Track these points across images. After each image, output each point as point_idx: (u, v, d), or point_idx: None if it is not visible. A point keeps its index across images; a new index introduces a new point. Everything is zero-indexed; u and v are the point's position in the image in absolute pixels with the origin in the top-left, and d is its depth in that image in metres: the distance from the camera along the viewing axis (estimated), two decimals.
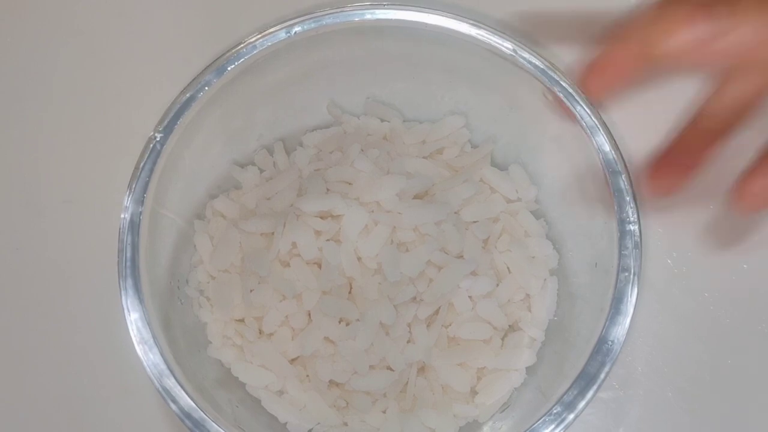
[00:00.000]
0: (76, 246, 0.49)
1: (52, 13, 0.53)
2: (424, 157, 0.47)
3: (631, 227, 0.39)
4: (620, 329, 0.38)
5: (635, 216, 0.39)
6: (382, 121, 0.48)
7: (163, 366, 0.38)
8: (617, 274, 0.38)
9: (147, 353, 0.38)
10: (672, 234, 0.48)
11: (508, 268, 0.45)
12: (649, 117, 0.46)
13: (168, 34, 0.52)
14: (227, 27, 0.50)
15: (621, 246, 0.39)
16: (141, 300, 0.39)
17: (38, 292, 0.49)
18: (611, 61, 0.40)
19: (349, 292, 0.43)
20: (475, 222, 0.45)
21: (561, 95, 0.40)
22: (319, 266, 0.43)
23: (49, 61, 0.52)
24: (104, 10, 0.53)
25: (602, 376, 0.38)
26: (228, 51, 0.42)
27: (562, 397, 0.38)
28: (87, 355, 0.48)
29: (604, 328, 0.38)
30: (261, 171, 0.47)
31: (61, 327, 0.48)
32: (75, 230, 0.50)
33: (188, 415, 0.38)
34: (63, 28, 0.52)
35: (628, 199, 0.39)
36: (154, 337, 0.38)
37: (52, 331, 0.48)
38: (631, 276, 0.38)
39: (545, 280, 0.45)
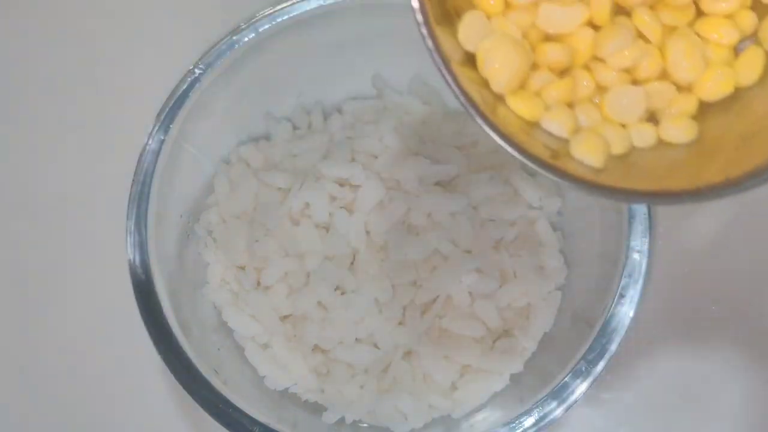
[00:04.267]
0: (72, 245, 0.49)
1: (48, 11, 0.52)
2: (456, 147, 0.46)
3: (636, 256, 0.38)
4: (603, 352, 0.38)
5: (645, 246, 0.38)
6: (424, 103, 0.47)
7: (150, 285, 0.39)
8: (614, 299, 0.38)
9: (139, 278, 0.39)
10: (673, 237, 0.47)
11: (514, 273, 0.44)
12: None
13: (165, 32, 0.51)
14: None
15: (624, 272, 0.38)
16: (145, 226, 0.39)
17: (36, 291, 0.49)
18: None
19: (351, 263, 0.43)
20: (491, 221, 0.44)
21: None
22: (327, 231, 0.43)
23: (46, 59, 0.51)
24: (102, 6, 0.52)
25: (577, 393, 0.38)
26: (283, 2, 0.42)
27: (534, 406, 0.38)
28: (87, 354, 0.48)
29: (587, 350, 0.38)
30: (295, 128, 0.47)
31: (60, 326, 0.49)
32: (70, 229, 0.49)
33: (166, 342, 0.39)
34: (59, 25, 0.52)
35: (641, 228, 0.38)
36: (149, 264, 0.39)
37: (51, 330, 0.49)
38: (626, 302, 0.38)
39: (549, 292, 0.44)
